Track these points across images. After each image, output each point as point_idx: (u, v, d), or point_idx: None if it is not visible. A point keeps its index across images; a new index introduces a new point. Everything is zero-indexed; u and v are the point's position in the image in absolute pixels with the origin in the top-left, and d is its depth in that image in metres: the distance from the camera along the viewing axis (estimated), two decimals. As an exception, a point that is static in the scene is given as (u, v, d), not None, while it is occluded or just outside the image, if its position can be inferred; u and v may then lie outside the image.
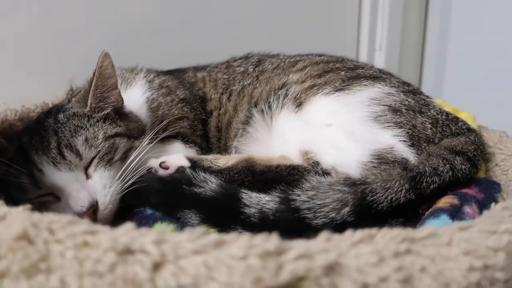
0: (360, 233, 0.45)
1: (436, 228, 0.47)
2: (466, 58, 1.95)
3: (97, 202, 0.79)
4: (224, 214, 0.76)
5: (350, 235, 0.45)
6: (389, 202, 0.72)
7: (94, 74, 0.83)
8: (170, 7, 1.46)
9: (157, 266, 0.39)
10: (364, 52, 2.01)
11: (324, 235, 0.45)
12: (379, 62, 2.02)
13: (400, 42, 2.03)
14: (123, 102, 0.91)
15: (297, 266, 0.38)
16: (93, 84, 0.83)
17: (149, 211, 0.82)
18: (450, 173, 0.78)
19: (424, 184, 0.75)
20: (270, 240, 0.40)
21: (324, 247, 0.42)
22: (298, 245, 0.41)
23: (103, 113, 0.86)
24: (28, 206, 0.50)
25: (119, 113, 0.90)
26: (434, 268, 0.41)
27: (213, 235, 0.42)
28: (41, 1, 1.21)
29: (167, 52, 1.43)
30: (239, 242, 0.41)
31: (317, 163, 0.84)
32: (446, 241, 0.44)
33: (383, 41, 2.00)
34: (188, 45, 1.50)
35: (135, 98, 1.00)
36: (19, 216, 0.46)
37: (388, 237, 0.44)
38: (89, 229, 0.43)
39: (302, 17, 1.80)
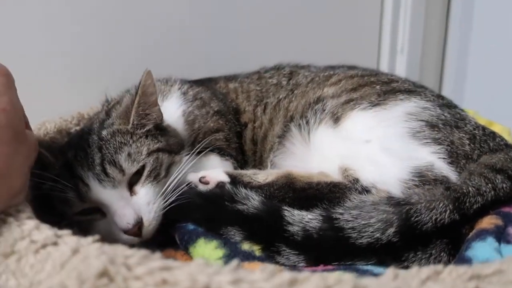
0: (427, 270, 0.46)
1: (500, 263, 0.47)
2: (487, 61, 1.94)
3: (141, 219, 0.80)
4: (267, 232, 0.77)
5: (417, 272, 0.46)
6: (433, 223, 0.73)
7: (136, 92, 0.84)
8: (197, 17, 1.48)
9: (237, 307, 0.40)
10: (386, 55, 2.02)
11: (391, 272, 0.46)
12: (401, 65, 2.02)
13: (422, 45, 2.02)
14: (162, 117, 0.92)
15: (375, 308, 0.39)
16: (135, 102, 0.85)
17: (191, 227, 0.83)
18: (492, 193, 0.78)
19: (467, 204, 0.75)
20: (346, 281, 0.41)
21: (395, 285, 0.43)
22: (372, 284, 0.42)
23: (145, 129, 0.87)
24: (97, 237, 0.51)
25: (159, 129, 0.91)
26: (503, 308, 0.42)
27: (286, 274, 0.43)
28: (74, 14, 1.23)
29: (194, 60, 1.46)
30: (313, 281, 0.42)
31: (356, 180, 0.85)
32: (512, 279, 0.45)
33: (405, 44, 2.00)
34: (210, 54, 1.52)
35: (172, 111, 1.01)
36: (93, 250, 0.47)
37: (455, 274, 0.45)
38: (165, 265, 0.44)
39: (324, 20, 1.81)
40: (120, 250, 0.47)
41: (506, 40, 1.85)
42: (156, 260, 0.45)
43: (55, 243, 0.50)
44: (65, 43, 1.24)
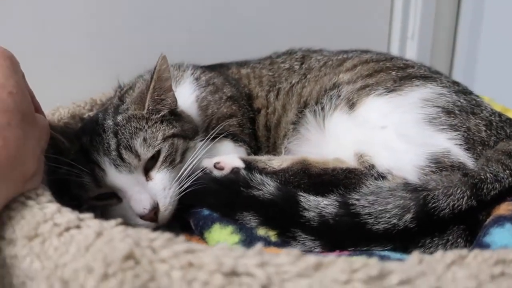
0: (451, 254, 0.46)
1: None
2: (499, 48, 1.93)
3: (157, 204, 0.80)
4: (283, 218, 0.77)
5: (442, 256, 0.46)
6: (451, 209, 0.73)
7: (152, 77, 0.84)
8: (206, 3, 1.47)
9: (264, 289, 0.40)
10: (396, 40, 2.00)
11: (416, 256, 0.46)
12: (411, 51, 2.01)
13: (433, 31, 2.00)
14: (177, 103, 0.92)
15: (402, 291, 0.39)
16: (151, 87, 0.84)
17: (206, 212, 0.83)
18: (509, 179, 0.77)
19: (485, 190, 0.75)
20: (372, 265, 0.41)
21: (420, 270, 0.43)
22: (397, 268, 0.42)
23: (160, 114, 0.87)
24: (119, 220, 0.51)
25: (174, 114, 0.90)
26: (530, 292, 0.42)
27: (312, 257, 0.43)
28: (87, 2, 1.23)
29: (203, 46, 1.45)
30: (339, 265, 0.42)
31: (372, 166, 0.85)
32: (537, 263, 0.45)
33: (416, 30, 1.98)
34: (219, 41, 1.52)
35: (185, 96, 1.01)
36: (117, 233, 0.47)
37: (480, 258, 0.45)
38: (190, 248, 0.44)
39: (335, 5, 1.81)
40: (144, 233, 0.48)
41: (518, 26, 1.83)
42: (181, 243, 0.46)
43: (78, 226, 0.51)
44: (77, 30, 1.24)
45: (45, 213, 0.53)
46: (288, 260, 0.43)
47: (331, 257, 0.44)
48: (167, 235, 0.47)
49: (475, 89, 1.88)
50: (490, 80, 1.96)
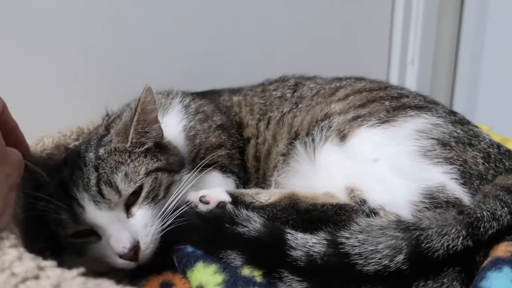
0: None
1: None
2: (501, 73, 1.90)
3: (138, 242, 0.76)
4: (269, 257, 0.74)
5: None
6: (445, 250, 0.68)
7: (135, 109, 0.81)
8: (202, 27, 1.46)
9: None
10: (396, 66, 1.98)
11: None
12: (411, 77, 1.98)
13: (433, 56, 1.98)
14: (163, 135, 0.88)
15: None
16: (134, 119, 0.81)
17: (190, 249, 0.80)
18: (508, 217, 0.73)
19: (482, 229, 0.71)
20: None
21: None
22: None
23: (144, 147, 0.83)
24: (82, 270, 0.48)
25: (159, 146, 0.87)
26: None
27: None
28: (74, 27, 1.22)
29: (198, 71, 1.44)
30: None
31: (364, 201, 0.81)
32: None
33: (415, 55, 1.96)
34: (217, 67, 1.50)
35: (172, 126, 0.98)
36: (76, 286, 0.44)
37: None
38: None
39: (334, 31, 1.79)
40: (105, 286, 0.44)
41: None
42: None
43: (36, 277, 0.47)
44: (65, 55, 1.23)
45: (3, 261, 0.50)
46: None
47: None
48: (127, 288, 0.44)
49: (477, 115, 1.86)
50: (492, 106, 1.92)
